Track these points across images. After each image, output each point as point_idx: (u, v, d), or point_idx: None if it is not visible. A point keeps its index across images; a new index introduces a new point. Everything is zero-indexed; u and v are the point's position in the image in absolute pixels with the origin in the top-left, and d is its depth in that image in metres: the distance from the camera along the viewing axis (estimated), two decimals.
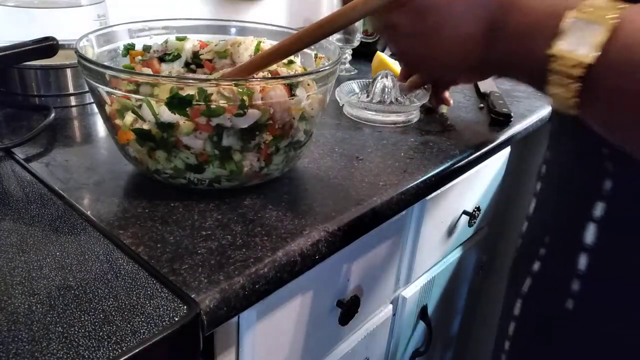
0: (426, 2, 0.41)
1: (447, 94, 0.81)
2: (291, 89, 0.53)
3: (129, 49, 0.64)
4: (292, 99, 0.53)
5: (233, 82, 0.50)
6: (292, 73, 0.60)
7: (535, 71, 0.35)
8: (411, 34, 0.44)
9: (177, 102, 0.49)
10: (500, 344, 0.54)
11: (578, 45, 0.32)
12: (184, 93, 0.49)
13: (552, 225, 0.49)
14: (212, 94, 0.49)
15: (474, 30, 0.40)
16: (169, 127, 0.50)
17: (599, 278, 0.44)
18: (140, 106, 0.51)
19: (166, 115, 0.50)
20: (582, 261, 0.44)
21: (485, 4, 0.39)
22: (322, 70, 0.54)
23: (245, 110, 0.50)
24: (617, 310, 0.43)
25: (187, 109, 0.49)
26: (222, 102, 0.49)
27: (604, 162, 0.41)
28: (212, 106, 0.49)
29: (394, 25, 0.44)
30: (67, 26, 0.76)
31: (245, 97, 0.49)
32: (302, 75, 0.54)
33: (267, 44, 0.65)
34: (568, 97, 0.34)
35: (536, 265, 0.49)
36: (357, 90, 0.86)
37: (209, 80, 0.51)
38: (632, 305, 0.42)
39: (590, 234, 0.43)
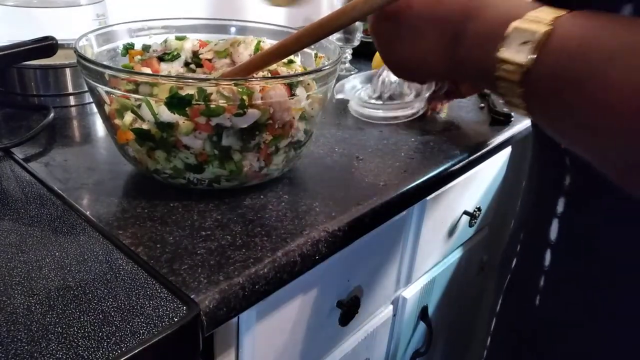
0: (402, 11, 0.43)
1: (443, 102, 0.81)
2: (291, 88, 0.52)
3: (129, 48, 0.63)
4: (292, 98, 0.52)
5: (233, 82, 0.49)
6: (292, 72, 0.60)
7: (490, 78, 0.37)
8: (388, 40, 0.46)
9: (176, 102, 0.49)
10: (485, 340, 0.56)
11: (518, 52, 0.34)
12: (183, 93, 0.49)
13: (525, 221, 0.51)
14: (211, 94, 0.49)
15: (441, 39, 0.42)
16: (169, 126, 0.50)
17: (559, 274, 0.46)
18: (139, 106, 0.50)
19: (165, 115, 0.50)
20: (547, 257, 0.46)
21: (454, 12, 0.41)
22: (322, 70, 0.54)
23: (245, 109, 0.50)
24: (576, 308, 0.45)
25: (187, 109, 0.49)
26: (222, 102, 0.49)
27: (564, 157, 0.43)
28: (212, 106, 0.49)
29: (376, 31, 0.47)
30: (67, 26, 0.76)
31: (245, 97, 0.49)
32: (302, 74, 0.53)
33: (267, 44, 0.65)
34: (517, 104, 0.36)
35: (514, 262, 0.51)
36: (359, 85, 0.86)
37: (209, 79, 0.51)
38: (591, 303, 0.44)
39: (554, 230, 0.45)
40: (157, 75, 0.54)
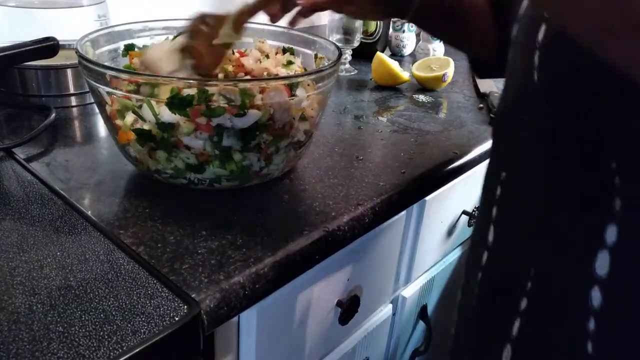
0: None
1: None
2: (291, 89, 0.53)
3: (129, 49, 0.64)
4: (292, 99, 0.53)
5: (234, 83, 0.50)
6: (291, 73, 0.60)
7: None
8: None
9: (177, 103, 0.49)
10: None
11: None
12: (184, 93, 0.49)
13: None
14: (213, 95, 0.49)
15: None
16: (170, 127, 0.50)
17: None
18: (140, 106, 0.51)
19: (166, 115, 0.50)
20: (596, 297, 0.40)
21: None
22: (321, 71, 0.54)
23: (246, 110, 0.50)
24: None
25: (188, 109, 0.49)
26: (223, 103, 0.49)
27: (613, 177, 0.38)
28: (212, 106, 0.49)
29: None
30: (68, 26, 0.76)
31: (245, 98, 0.49)
32: (302, 75, 0.54)
33: (266, 44, 0.65)
34: None
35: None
36: None
37: (210, 80, 0.51)
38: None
39: (602, 265, 0.39)
40: (159, 76, 0.54)
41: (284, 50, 0.67)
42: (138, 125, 0.52)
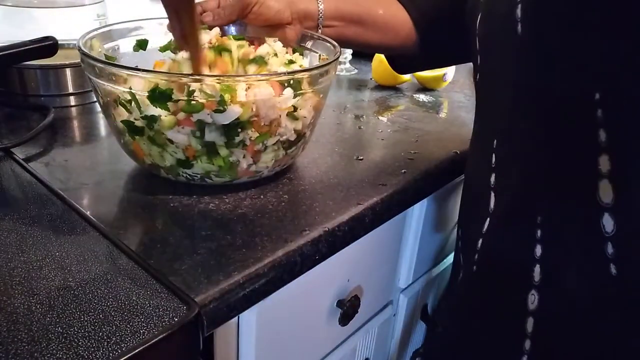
0: None
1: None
2: (283, 87, 0.52)
3: (142, 45, 0.63)
4: (278, 97, 0.52)
5: (215, 79, 0.50)
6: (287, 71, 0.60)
7: None
8: None
9: (157, 96, 0.49)
10: None
11: None
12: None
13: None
14: (194, 90, 0.49)
15: None
16: (153, 120, 0.51)
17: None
18: (127, 98, 0.51)
19: (150, 109, 0.50)
20: (608, 223, 0.43)
21: None
22: (308, 70, 0.54)
23: (225, 107, 0.50)
24: None
25: (168, 104, 0.49)
26: (202, 98, 0.49)
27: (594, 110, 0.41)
28: (192, 102, 0.49)
29: None
30: (67, 26, 0.76)
31: (225, 94, 0.49)
32: (282, 73, 0.53)
33: (278, 45, 0.64)
34: None
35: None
36: None
37: (189, 75, 0.52)
38: None
39: (606, 194, 0.43)
40: (139, 70, 0.53)
41: (294, 50, 0.66)
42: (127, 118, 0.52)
